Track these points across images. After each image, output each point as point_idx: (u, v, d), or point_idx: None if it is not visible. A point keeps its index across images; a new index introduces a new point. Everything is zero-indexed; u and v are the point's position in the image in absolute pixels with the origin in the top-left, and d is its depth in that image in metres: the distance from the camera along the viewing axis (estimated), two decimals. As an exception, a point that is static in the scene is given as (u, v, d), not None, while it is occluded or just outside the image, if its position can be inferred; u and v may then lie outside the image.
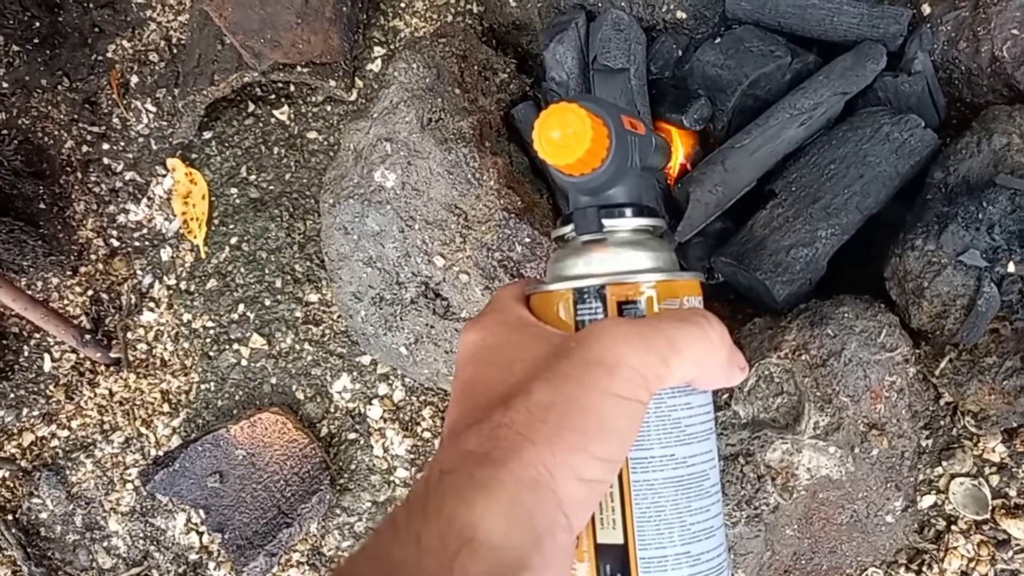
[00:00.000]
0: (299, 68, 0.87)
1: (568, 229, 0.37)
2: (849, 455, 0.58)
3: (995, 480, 0.67)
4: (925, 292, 0.57)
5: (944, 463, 0.68)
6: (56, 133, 0.98)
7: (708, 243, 0.65)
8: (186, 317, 0.92)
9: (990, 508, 0.66)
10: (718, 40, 0.68)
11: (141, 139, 0.96)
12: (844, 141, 0.62)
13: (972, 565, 0.67)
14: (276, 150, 0.92)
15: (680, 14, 0.71)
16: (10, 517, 0.94)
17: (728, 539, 0.58)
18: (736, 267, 0.61)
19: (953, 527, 0.68)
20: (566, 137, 0.33)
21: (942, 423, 0.68)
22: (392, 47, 0.92)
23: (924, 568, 0.68)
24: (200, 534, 0.88)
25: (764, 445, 0.57)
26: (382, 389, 0.85)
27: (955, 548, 0.67)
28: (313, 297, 0.89)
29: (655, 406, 0.33)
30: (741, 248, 0.61)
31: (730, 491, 0.58)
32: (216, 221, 0.93)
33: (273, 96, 0.94)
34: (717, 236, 0.65)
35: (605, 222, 0.36)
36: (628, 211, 0.36)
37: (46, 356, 0.95)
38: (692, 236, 0.63)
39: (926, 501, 0.68)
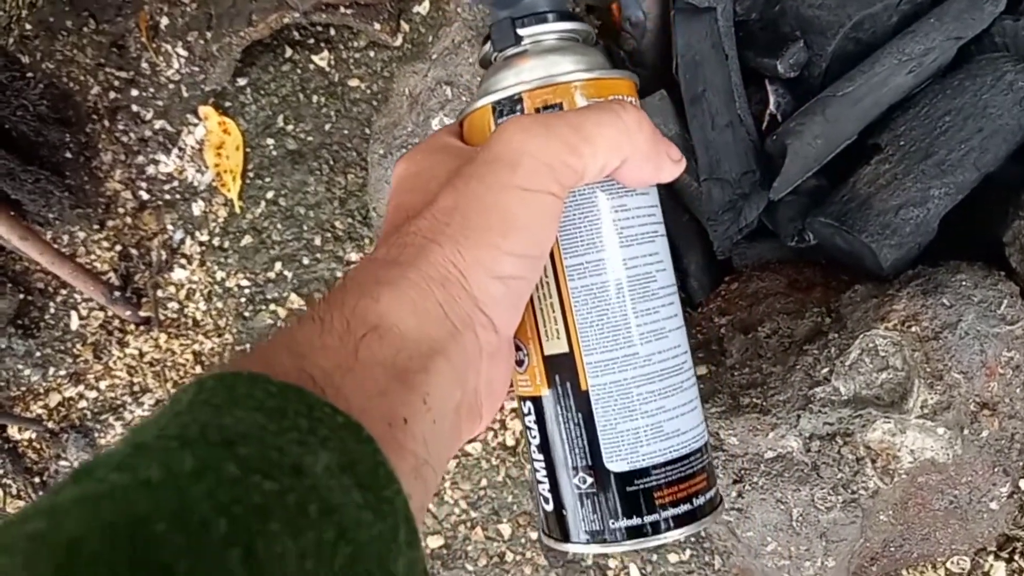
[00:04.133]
0: (342, 9, 0.80)
1: (488, 48, 0.37)
2: (958, 437, 0.53)
3: (1100, 466, 0.62)
4: (1053, 259, 0.51)
5: (1042, 446, 0.63)
6: (82, 78, 0.93)
7: (802, 202, 0.59)
8: (219, 275, 0.87)
9: (1093, 496, 0.61)
10: (812, -22, 0.61)
11: (172, 85, 0.91)
12: (961, 91, 0.56)
13: (1071, 556, 0.62)
14: (315, 99, 0.87)
15: (768, -50, 0.65)
16: (37, 480, 0.90)
17: (821, 524, 0.54)
18: (836, 228, 0.55)
19: (1050, 515, 0.63)
20: None
21: (1041, 403, 0.63)
22: (443, -12, 0.85)
23: (1016, 556, 0.64)
24: (235, 502, 0.84)
25: (865, 424, 0.52)
26: (429, 355, 0.80)
27: (1052, 537, 0.62)
28: (354, 256, 0.84)
29: (585, 210, 0.32)
30: (843, 207, 0.55)
31: (826, 474, 0.53)
32: (251, 174, 0.87)
33: (312, 41, 0.88)
34: (811, 194, 0.60)
35: (520, 32, 0.35)
36: (544, 17, 0.35)
37: (73, 313, 0.91)
38: (786, 194, 0.58)
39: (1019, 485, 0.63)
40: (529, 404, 0.34)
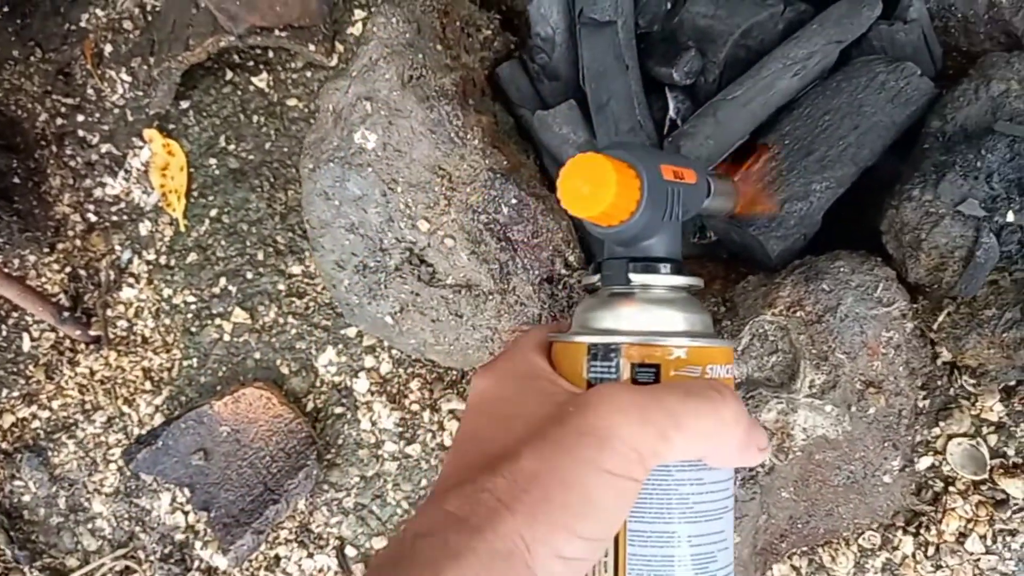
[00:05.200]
0: (277, 32, 0.84)
1: (597, 278, 0.36)
2: (846, 414, 0.56)
3: (993, 440, 0.66)
4: (922, 244, 0.55)
5: (941, 424, 0.67)
6: (29, 105, 0.95)
7: (699, 200, 0.63)
8: (166, 292, 0.90)
9: (988, 468, 0.65)
10: (708, -8, 0.66)
11: (117, 110, 0.94)
12: (838, 91, 0.60)
13: (970, 526, 0.65)
14: (255, 119, 0.90)
15: (668, -33, 0.69)
16: (-9, 500, 0.92)
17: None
18: (728, 223, 0.59)
19: (951, 488, 0.67)
20: (590, 188, 0.31)
21: (939, 383, 0.67)
22: (372, 9, 0.89)
23: (922, 530, 0.67)
24: (186, 513, 0.86)
25: (759, 405, 0.56)
26: (368, 362, 0.83)
27: (953, 509, 0.66)
28: (296, 269, 0.87)
29: (661, 479, 0.32)
30: (733, 204, 0.59)
31: (724, 452, 0.57)
32: (195, 193, 0.90)
33: (251, 63, 0.91)
34: (708, 193, 0.63)
35: (633, 277, 0.34)
36: (661, 267, 0.35)
37: (25, 335, 0.93)
38: (683, 193, 0.61)
39: (923, 463, 0.67)
40: None
